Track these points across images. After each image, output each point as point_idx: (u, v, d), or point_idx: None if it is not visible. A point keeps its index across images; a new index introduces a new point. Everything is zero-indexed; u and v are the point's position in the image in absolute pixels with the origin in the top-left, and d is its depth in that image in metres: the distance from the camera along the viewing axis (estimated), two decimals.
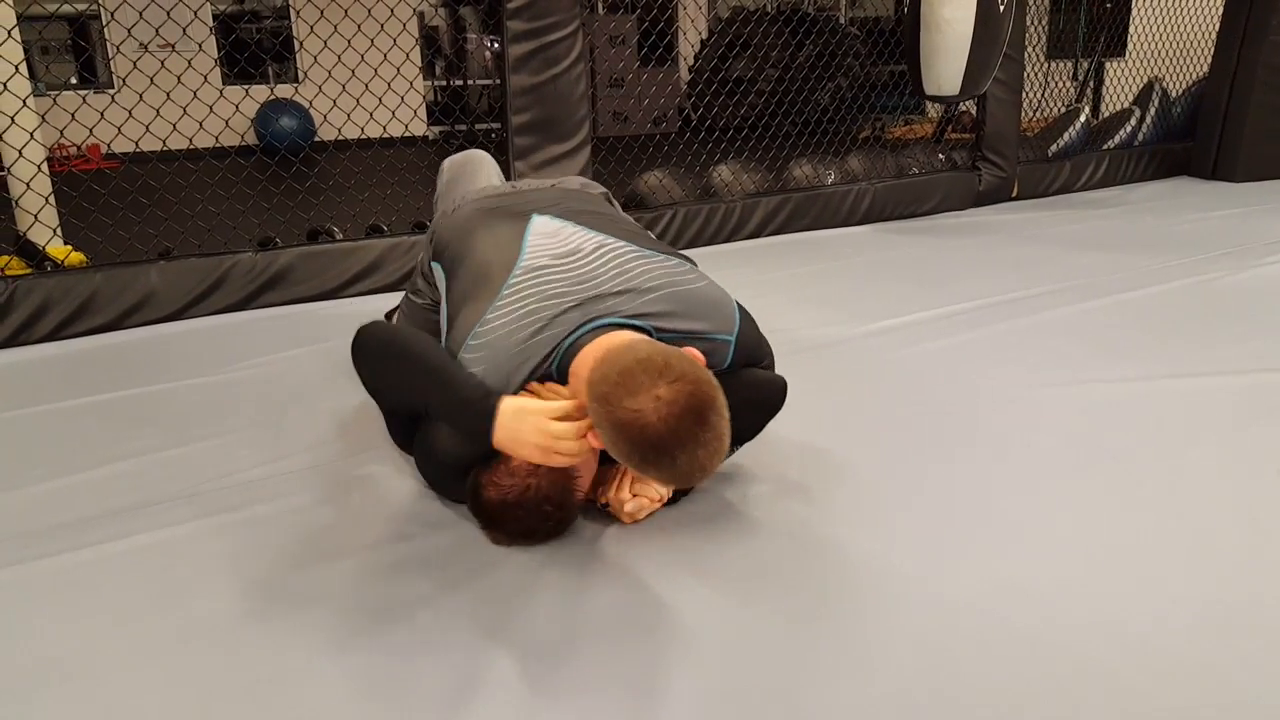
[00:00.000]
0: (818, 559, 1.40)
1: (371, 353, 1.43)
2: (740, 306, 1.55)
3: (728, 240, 3.76)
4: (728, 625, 1.24)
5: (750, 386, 1.52)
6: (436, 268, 1.65)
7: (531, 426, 1.27)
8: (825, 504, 1.56)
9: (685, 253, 1.59)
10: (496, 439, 1.30)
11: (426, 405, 1.39)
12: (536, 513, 1.37)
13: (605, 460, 1.43)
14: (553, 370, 1.36)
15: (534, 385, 1.37)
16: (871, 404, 2.00)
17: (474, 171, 2.11)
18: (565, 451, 1.29)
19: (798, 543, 1.44)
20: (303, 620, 1.26)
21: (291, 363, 2.34)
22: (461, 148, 2.95)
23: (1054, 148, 4.82)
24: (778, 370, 1.64)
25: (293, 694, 1.12)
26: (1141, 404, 1.97)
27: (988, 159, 4.43)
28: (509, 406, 1.30)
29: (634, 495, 1.46)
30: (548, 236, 1.49)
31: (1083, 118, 4.89)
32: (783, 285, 3.05)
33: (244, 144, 4.35)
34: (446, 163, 2.14)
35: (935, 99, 3.75)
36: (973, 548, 1.42)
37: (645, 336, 1.34)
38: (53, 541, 1.48)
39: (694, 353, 1.31)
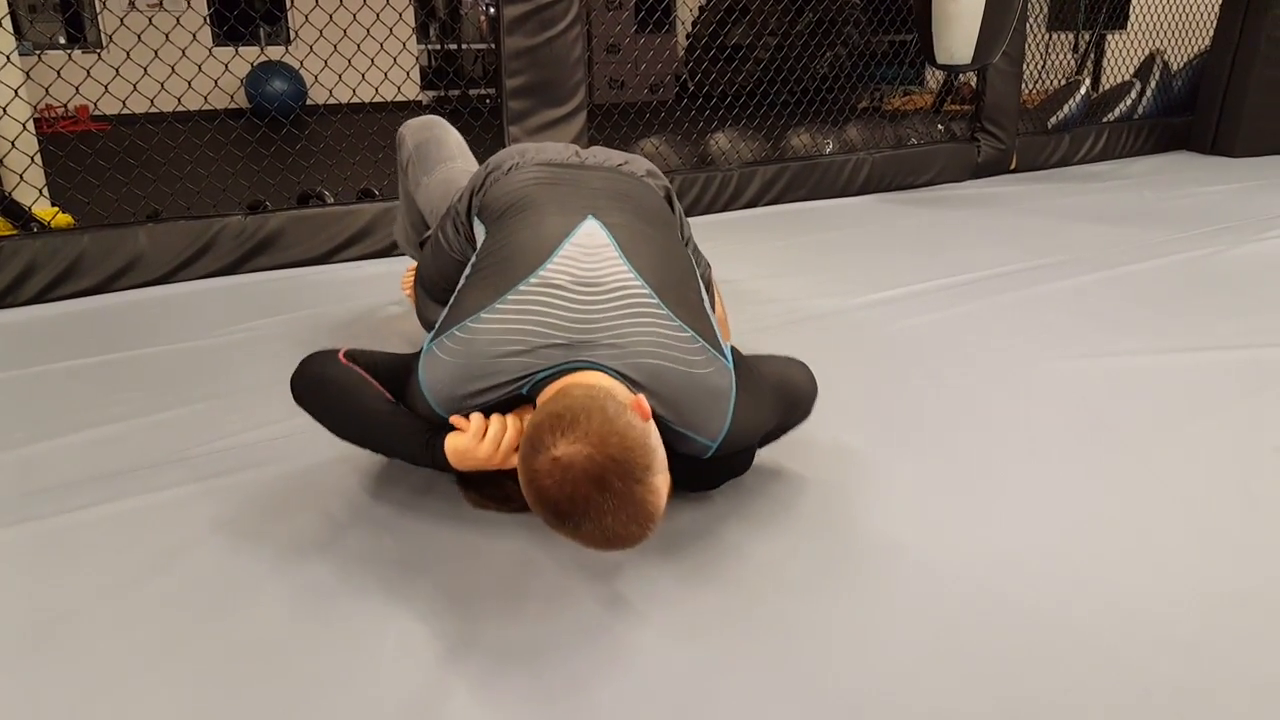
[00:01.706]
0: (813, 531, 1.39)
1: (311, 407, 1.43)
2: (742, 398, 1.33)
3: (724, 209, 3.72)
4: (723, 596, 1.23)
5: (780, 388, 1.45)
6: (479, 223, 1.58)
7: (472, 459, 1.29)
8: (821, 476, 1.55)
9: (726, 342, 1.38)
10: (457, 469, 1.33)
11: (377, 449, 1.45)
12: (514, 483, 1.35)
13: None
14: (522, 392, 1.31)
15: (455, 419, 1.31)
16: (868, 376, 1.99)
17: (441, 137, 2.05)
18: (508, 456, 1.28)
19: (793, 515, 1.43)
20: (294, 583, 1.25)
21: (282, 328, 2.31)
22: (455, 113, 2.90)
23: (1053, 120, 4.78)
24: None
25: (284, 657, 1.11)
26: (1140, 378, 1.96)
27: (987, 130, 4.39)
28: (448, 450, 1.30)
29: None
30: (584, 251, 1.37)
31: (1083, 90, 4.84)
32: (780, 256, 3.03)
33: (233, 106, 4.27)
34: (407, 129, 2.07)
35: (947, 68, 3.70)
36: (970, 520, 1.42)
37: (601, 383, 1.23)
38: (40, 505, 1.46)
39: (640, 403, 1.19)
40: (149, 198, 2.85)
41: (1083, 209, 3.69)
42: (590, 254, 1.37)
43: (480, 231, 1.58)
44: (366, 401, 1.38)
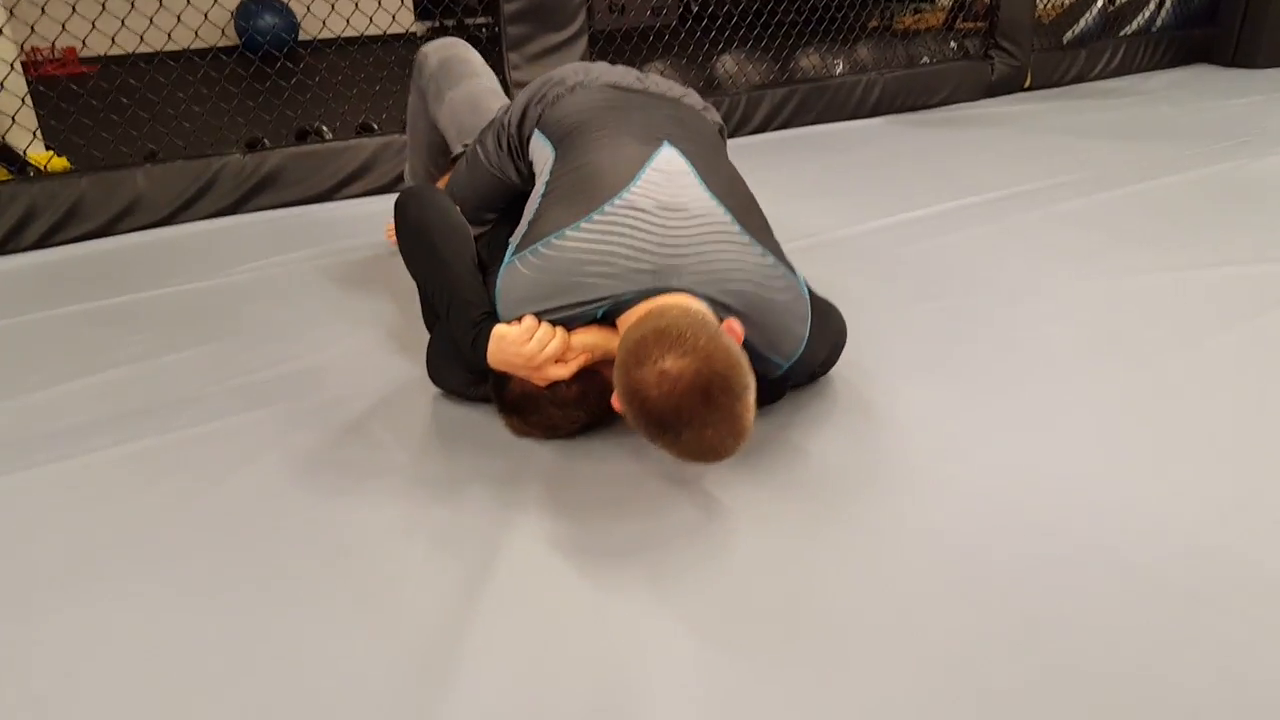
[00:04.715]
0: (833, 451, 1.38)
1: (406, 227, 1.49)
2: (822, 322, 1.42)
3: (733, 135, 3.63)
4: (745, 518, 1.23)
5: (827, 317, 1.49)
6: (542, 139, 1.55)
7: (513, 352, 1.30)
8: (839, 398, 1.54)
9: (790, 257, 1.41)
10: (491, 361, 1.34)
11: (435, 301, 1.44)
12: (561, 411, 1.37)
13: None
14: (597, 314, 1.31)
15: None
16: (885, 298, 1.96)
17: (465, 55, 2.03)
18: (546, 365, 1.30)
19: (812, 437, 1.42)
20: (313, 523, 1.25)
21: (288, 267, 2.28)
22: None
23: (1069, 35, 4.63)
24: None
25: (334, 588, 1.12)
26: (1159, 295, 1.92)
27: (1001, 47, 4.26)
28: (494, 334, 1.32)
29: None
30: (666, 177, 1.36)
31: (1100, 3, 4.67)
32: (791, 180, 2.96)
33: (224, 43, 4.15)
34: (430, 47, 2.05)
35: None
36: (987, 437, 1.40)
37: (693, 305, 1.25)
38: (60, 446, 1.46)
39: (732, 325, 1.25)
40: (145, 138, 2.79)
41: (1100, 126, 3.59)
42: (672, 179, 1.37)
43: (541, 144, 1.56)
44: (462, 248, 1.44)
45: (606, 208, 1.31)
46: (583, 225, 1.30)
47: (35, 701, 0.96)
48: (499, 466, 1.36)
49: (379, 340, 1.82)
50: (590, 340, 1.32)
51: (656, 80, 1.69)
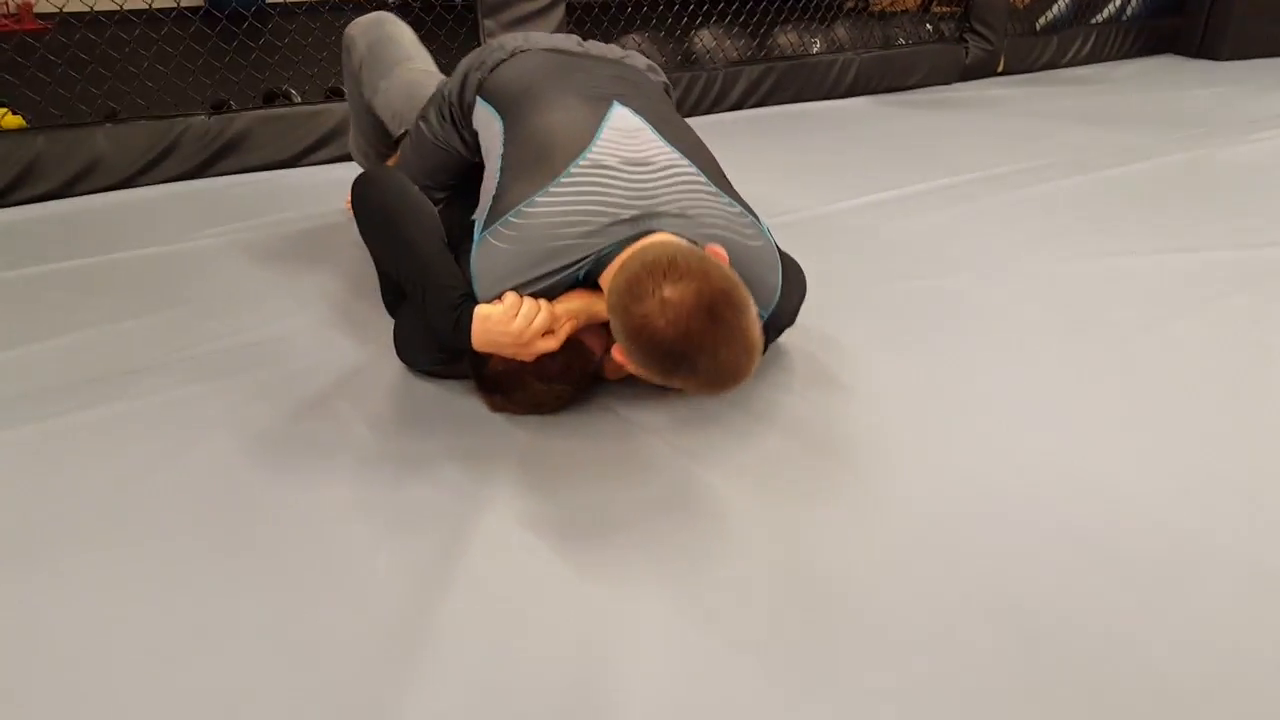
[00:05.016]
0: (811, 432, 1.38)
1: (368, 210, 1.42)
2: (786, 273, 1.43)
3: (709, 111, 3.61)
4: (722, 495, 1.23)
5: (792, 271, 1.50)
6: (486, 107, 1.52)
7: (499, 332, 1.26)
8: (817, 378, 1.54)
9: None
10: (476, 344, 1.30)
11: (407, 287, 1.39)
12: (546, 386, 1.35)
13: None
14: (579, 276, 1.29)
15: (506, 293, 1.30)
16: (860, 278, 1.96)
17: (394, 34, 1.93)
18: (534, 340, 1.26)
19: (786, 414, 1.42)
20: (276, 497, 1.23)
21: (253, 233, 2.23)
22: (427, 7, 2.75)
23: (1042, 20, 4.65)
24: None
25: (293, 558, 1.10)
26: (1129, 278, 1.95)
27: (976, 31, 4.27)
28: (478, 316, 1.28)
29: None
30: (624, 135, 1.35)
31: None
32: (768, 159, 2.95)
33: (188, 3, 4.04)
34: (356, 29, 1.93)
35: None
36: (963, 417, 1.41)
37: (674, 238, 1.24)
38: (18, 410, 1.41)
39: (716, 250, 1.23)
40: (105, 97, 2.70)
41: (1072, 112, 3.62)
42: (630, 136, 1.35)
43: (486, 113, 1.52)
44: (429, 228, 1.38)
45: (572, 168, 1.29)
46: (550, 189, 1.28)
47: None
48: (470, 443, 1.35)
49: (345, 310, 1.78)
50: (574, 306, 1.30)
51: (596, 45, 1.67)
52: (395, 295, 1.56)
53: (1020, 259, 2.06)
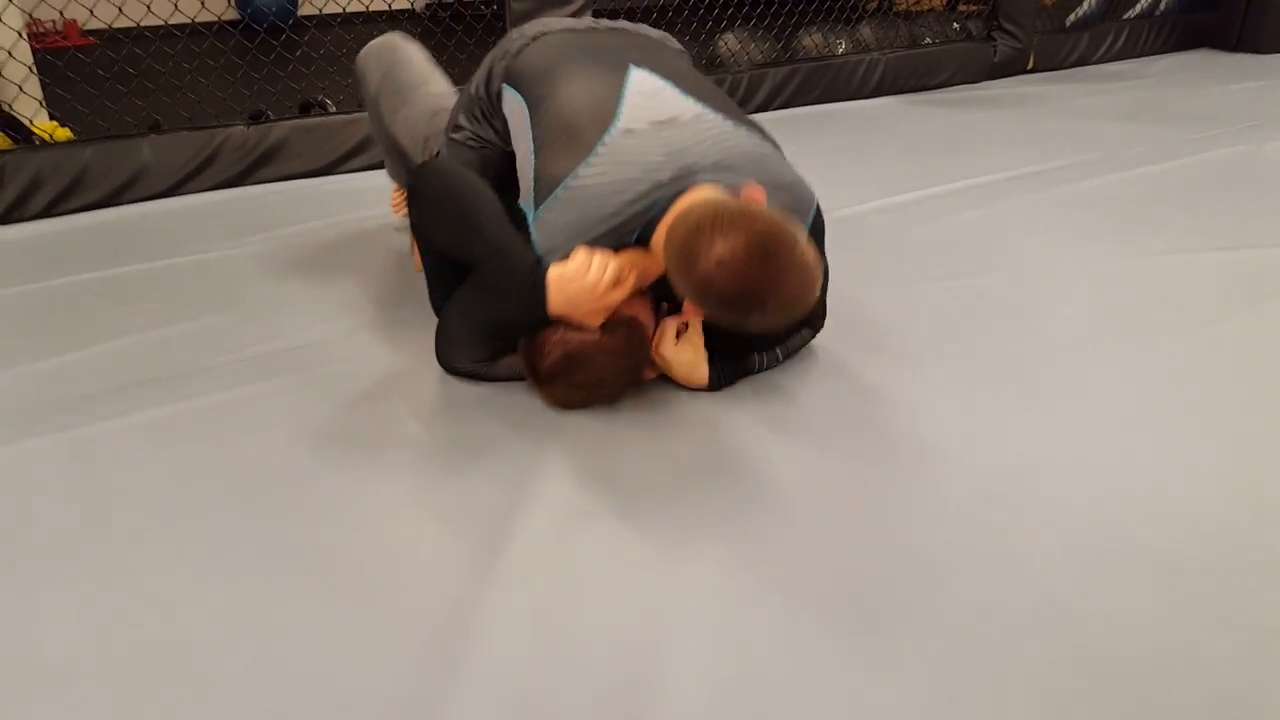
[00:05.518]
0: (847, 430, 1.40)
1: (429, 199, 1.45)
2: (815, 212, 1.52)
3: None
4: (764, 493, 1.25)
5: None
6: (512, 93, 1.56)
7: (576, 287, 1.31)
8: (853, 378, 1.55)
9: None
10: (553, 307, 1.34)
11: (475, 266, 1.43)
12: (609, 360, 1.38)
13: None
14: (630, 241, 1.35)
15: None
16: (892, 277, 1.97)
17: (407, 58, 1.96)
18: (608, 292, 1.31)
19: (825, 415, 1.44)
20: (326, 493, 1.27)
21: (294, 239, 2.29)
22: (456, 17, 2.80)
23: (1072, 18, 4.61)
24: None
25: (342, 557, 1.13)
26: (1170, 276, 1.93)
27: (1004, 29, 4.24)
28: (553, 277, 1.32)
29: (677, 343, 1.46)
30: (646, 97, 1.42)
31: None
32: (795, 159, 2.94)
33: (228, 15, 4.13)
34: (369, 55, 1.96)
35: None
36: (1000, 418, 1.42)
37: (709, 193, 1.30)
38: (67, 416, 1.47)
39: (752, 192, 1.29)
40: (149, 109, 2.78)
41: (1105, 109, 3.59)
42: (652, 97, 1.42)
43: (512, 99, 1.56)
44: (493, 205, 1.41)
45: (605, 139, 1.35)
46: (591, 161, 1.34)
47: (45, 670, 0.98)
48: (516, 437, 1.38)
49: (387, 313, 1.83)
50: (632, 258, 1.36)
51: (607, 22, 1.74)
52: (445, 294, 1.57)
53: (1060, 258, 2.05)
